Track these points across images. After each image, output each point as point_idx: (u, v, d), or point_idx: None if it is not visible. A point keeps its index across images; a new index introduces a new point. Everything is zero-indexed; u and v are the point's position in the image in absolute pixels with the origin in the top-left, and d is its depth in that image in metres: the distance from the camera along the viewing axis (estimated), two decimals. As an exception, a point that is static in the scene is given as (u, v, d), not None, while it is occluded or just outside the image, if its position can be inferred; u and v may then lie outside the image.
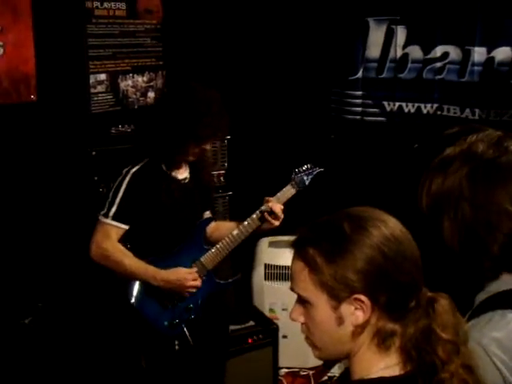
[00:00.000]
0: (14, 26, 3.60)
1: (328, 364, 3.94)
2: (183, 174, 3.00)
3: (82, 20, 3.86)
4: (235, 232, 3.01)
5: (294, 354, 4.13)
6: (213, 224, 3.19)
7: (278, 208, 2.99)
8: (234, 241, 3.02)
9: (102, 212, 2.85)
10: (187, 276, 2.91)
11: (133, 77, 4.20)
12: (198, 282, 2.94)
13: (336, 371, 4.13)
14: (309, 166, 3.20)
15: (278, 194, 3.08)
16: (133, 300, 2.90)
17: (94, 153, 3.72)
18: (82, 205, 3.77)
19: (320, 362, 4.27)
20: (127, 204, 2.83)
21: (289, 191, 3.09)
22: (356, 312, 1.30)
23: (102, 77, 4.01)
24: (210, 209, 3.21)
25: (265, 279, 4.12)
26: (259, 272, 4.12)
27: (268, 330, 3.72)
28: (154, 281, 2.86)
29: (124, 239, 2.89)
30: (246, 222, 3.02)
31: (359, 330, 1.31)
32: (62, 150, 3.81)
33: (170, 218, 2.91)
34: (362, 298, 1.29)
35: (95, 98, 3.97)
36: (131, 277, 2.88)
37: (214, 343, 3.17)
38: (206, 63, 4.32)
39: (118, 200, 2.82)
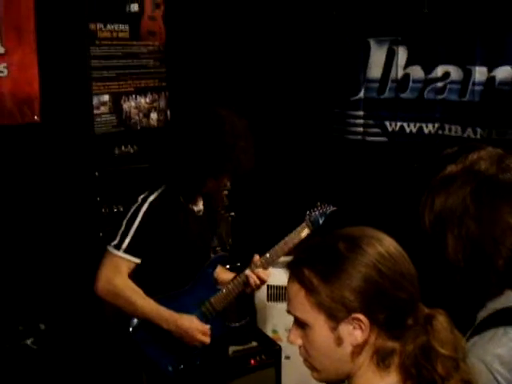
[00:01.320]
0: (19, 47, 3.64)
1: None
2: (198, 205, 2.82)
3: (86, 42, 3.89)
4: (247, 272, 2.85)
5: (297, 374, 4.09)
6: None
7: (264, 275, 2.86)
8: (245, 282, 2.86)
9: (113, 243, 2.60)
10: (199, 328, 2.71)
11: (136, 98, 4.23)
12: (207, 339, 2.73)
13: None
14: (321, 204, 3.10)
15: (292, 234, 2.96)
16: (136, 338, 2.71)
17: (96, 173, 3.73)
18: (85, 225, 3.78)
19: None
20: (142, 236, 2.59)
21: (303, 231, 2.99)
22: (355, 332, 1.30)
23: (106, 98, 4.03)
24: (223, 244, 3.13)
25: (267, 300, 4.11)
26: (262, 293, 4.10)
27: (271, 351, 3.71)
28: (166, 325, 2.65)
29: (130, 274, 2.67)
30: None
31: (358, 349, 1.31)
32: (66, 170, 3.83)
33: (184, 252, 2.73)
34: (361, 317, 1.28)
35: (98, 119, 3.99)
36: (140, 317, 2.66)
37: (215, 366, 3.02)
38: (208, 84, 4.35)
39: (132, 231, 2.58)
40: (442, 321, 1.30)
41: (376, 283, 1.28)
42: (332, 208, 3.13)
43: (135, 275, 2.66)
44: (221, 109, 2.71)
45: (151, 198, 2.64)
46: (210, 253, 2.94)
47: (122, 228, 2.61)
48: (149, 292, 2.66)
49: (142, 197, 2.66)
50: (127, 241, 2.57)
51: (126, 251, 2.57)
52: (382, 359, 1.30)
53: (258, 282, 2.84)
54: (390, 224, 1.70)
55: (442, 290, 1.51)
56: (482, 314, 1.48)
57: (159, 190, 2.67)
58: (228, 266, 3.23)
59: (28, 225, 3.71)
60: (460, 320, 1.38)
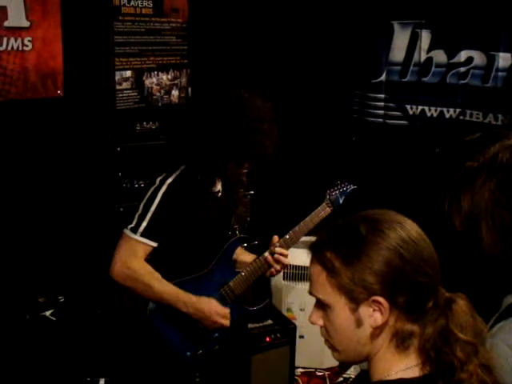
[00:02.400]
0: (43, 21, 3.66)
1: (344, 365, 3.95)
2: (217, 186, 2.71)
3: (109, 17, 3.91)
4: (266, 254, 2.76)
5: (311, 354, 4.15)
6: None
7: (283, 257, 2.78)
8: (264, 265, 2.77)
9: (130, 226, 2.49)
10: (219, 310, 2.62)
11: (157, 74, 4.24)
12: (227, 322, 2.65)
13: (352, 373, 4.14)
14: (340, 183, 3.05)
15: (313, 213, 2.91)
16: (154, 324, 2.62)
17: (118, 149, 3.76)
18: (106, 200, 3.81)
19: (336, 363, 4.28)
20: (160, 219, 2.49)
21: (324, 211, 2.94)
22: (374, 314, 1.31)
23: (128, 74, 4.06)
24: (237, 225, 2.99)
25: (283, 279, 4.14)
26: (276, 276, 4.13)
27: (286, 330, 3.73)
28: (185, 308, 2.56)
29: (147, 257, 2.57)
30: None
31: (378, 331, 1.32)
32: (87, 145, 3.86)
33: (203, 235, 2.64)
34: (380, 299, 1.30)
35: (120, 95, 4.01)
36: (158, 301, 2.56)
37: (234, 350, 2.94)
38: (229, 63, 4.35)
39: (150, 214, 2.48)
40: (461, 305, 1.31)
41: (397, 267, 1.29)
42: (352, 187, 3.09)
43: (152, 259, 2.57)
44: (245, 90, 2.57)
45: (169, 180, 2.53)
46: (229, 234, 2.85)
47: (139, 211, 2.51)
48: (166, 276, 2.58)
49: (159, 178, 2.54)
50: (144, 224, 2.48)
51: (143, 235, 2.48)
52: (401, 341, 1.32)
53: (277, 266, 2.78)
54: (408, 207, 1.70)
55: (463, 274, 1.52)
56: (509, 299, 1.49)
57: (177, 172, 2.56)
58: (245, 245, 3.20)
59: (49, 198, 3.75)
60: (483, 305, 1.39)
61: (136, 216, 2.50)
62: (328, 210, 2.95)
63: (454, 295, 1.34)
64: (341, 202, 3.02)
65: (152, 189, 2.51)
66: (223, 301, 2.73)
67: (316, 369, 4.23)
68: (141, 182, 3.82)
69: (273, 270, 2.78)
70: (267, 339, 3.61)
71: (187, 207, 2.54)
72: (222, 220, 2.74)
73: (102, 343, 3.57)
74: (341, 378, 4.14)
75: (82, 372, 3.43)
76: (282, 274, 4.10)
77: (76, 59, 3.81)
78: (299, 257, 3.99)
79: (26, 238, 3.66)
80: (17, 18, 3.53)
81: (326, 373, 4.20)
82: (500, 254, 1.46)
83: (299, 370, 4.15)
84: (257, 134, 2.47)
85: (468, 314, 1.30)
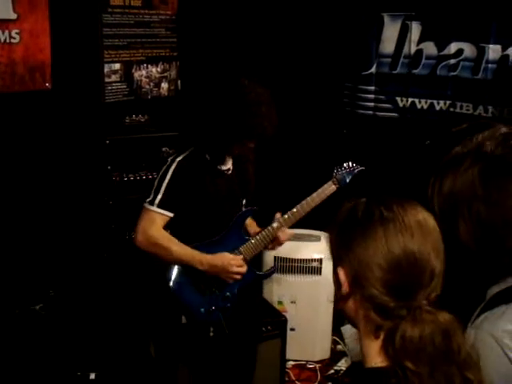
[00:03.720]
0: (31, 14, 3.63)
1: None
2: (227, 164, 2.98)
3: (98, 9, 3.87)
4: (275, 224, 3.03)
5: (302, 346, 4.16)
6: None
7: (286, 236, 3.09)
8: (273, 233, 3.04)
9: (148, 199, 2.83)
10: (232, 261, 2.91)
11: (147, 67, 4.22)
12: (244, 269, 2.95)
13: (343, 365, 4.15)
14: (350, 164, 3.21)
15: (319, 189, 3.09)
16: (171, 284, 2.92)
17: (107, 141, 3.74)
18: (96, 193, 3.80)
19: (327, 356, 4.30)
20: (172, 192, 2.82)
21: (330, 188, 3.11)
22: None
23: (117, 66, 4.03)
24: (248, 198, 3.17)
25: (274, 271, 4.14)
26: (269, 264, 4.13)
27: (277, 322, 3.73)
28: (201, 265, 2.86)
29: (166, 226, 2.89)
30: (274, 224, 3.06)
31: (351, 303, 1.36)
32: (76, 138, 3.84)
33: (213, 208, 2.91)
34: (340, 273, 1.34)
35: (109, 88, 3.99)
36: (177, 262, 2.90)
37: (247, 329, 3.19)
38: (219, 55, 4.33)
39: (163, 188, 2.81)
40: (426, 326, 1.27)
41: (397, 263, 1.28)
42: (360, 168, 3.23)
43: (170, 227, 2.89)
44: (244, 78, 2.87)
45: (179, 158, 2.84)
46: (240, 208, 3.08)
47: (155, 186, 2.83)
48: (183, 242, 2.87)
49: (171, 158, 2.88)
50: (159, 197, 2.80)
51: (159, 206, 2.80)
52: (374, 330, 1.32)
53: (275, 243, 3.08)
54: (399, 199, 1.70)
55: (450, 267, 1.51)
56: (493, 290, 1.49)
57: (187, 152, 2.87)
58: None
59: (38, 191, 3.74)
60: (469, 296, 1.38)
61: (152, 191, 2.83)
62: (334, 187, 3.14)
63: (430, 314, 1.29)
64: (347, 180, 3.19)
65: (164, 167, 2.85)
66: None
67: (307, 361, 4.24)
68: (130, 175, 3.83)
69: (274, 244, 3.10)
70: (258, 332, 3.61)
71: (196, 182, 2.84)
72: (232, 195, 3.01)
73: (92, 337, 3.56)
74: (332, 371, 4.16)
75: (73, 366, 3.43)
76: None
77: (64, 52, 3.78)
78: (290, 249, 4.00)
79: (14, 232, 3.64)
80: (4, 10, 3.50)
81: (317, 365, 4.21)
82: (473, 245, 1.46)
83: (290, 363, 4.15)
84: (257, 117, 2.75)
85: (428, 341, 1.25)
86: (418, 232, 1.30)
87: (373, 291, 1.29)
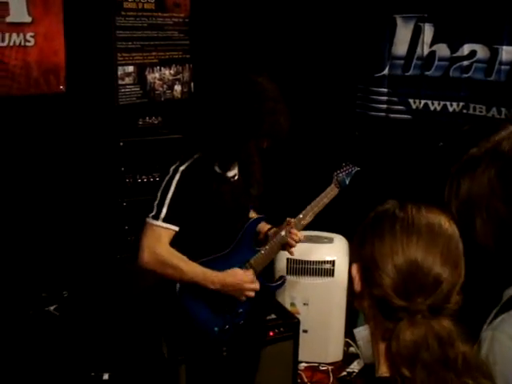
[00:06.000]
0: (45, 17, 3.66)
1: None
2: (233, 170, 2.85)
3: (112, 12, 3.90)
4: (283, 233, 2.95)
5: (314, 348, 4.15)
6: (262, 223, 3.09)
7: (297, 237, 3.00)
8: (281, 242, 2.97)
9: (151, 214, 2.65)
10: (245, 278, 2.79)
11: (160, 69, 4.24)
12: (257, 285, 2.82)
13: (355, 367, 4.14)
14: (345, 165, 3.20)
15: (322, 194, 3.07)
16: (183, 303, 2.78)
17: (121, 144, 3.76)
18: (109, 195, 3.82)
19: (339, 358, 4.29)
20: (178, 204, 2.65)
21: (333, 191, 3.11)
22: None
23: (130, 69, 4.05)
24: (255, 204, 3.08)
25: (287, 273, 4.13)
26: (281, 266, 4.14)
27: (289, 324, 3.73)
28: (212, 285, 2.71)
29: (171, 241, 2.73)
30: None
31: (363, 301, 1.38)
32: (90, 140, 3.87)
33: (220, 218, 2.78)
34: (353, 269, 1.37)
35: (123, 90, 4.01)
36: (187, 282, 2.71)
37: (252, 334, 3.13)
38: (232, 57, 4.34)
39: (167, 201, 2.64)
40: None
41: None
42: (356, 168, 3.23)
43: (176, 243, 2.71)
44: (256, 75, 2.78)
45: (182, 168, 2.68)
46: (248, 216, 3.01)
47: (158, 199, 2.67)
48: (190, 258, 2.72)
49: (173, 167, 2.69)
50: (164, 210, 2.63)
51: (165, 220, 2.63)
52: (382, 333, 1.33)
53: (293, 243, 2.97)
54: (412, 202, 1.70)
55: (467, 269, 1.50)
56: (510, 291, 1.49)
57: (190, 160, 2.71)
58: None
59: (53, 193, 3.76)
60: (484, 297, 1.38)
61: (155, 205, 2.65)
62: (336, 190, 3.12)
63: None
64: (347, 182, 3.19)
65: (167, 178, 2.67)
66: None
67: (319, 363, 4.23)
68: (143, 177, 3.84)
69: (292, 249, 3.01)
70: (271, 334, 3.60)
71: (201, 192, 2.69)
72: (238, 203, 2.87)
73: (105, 338, 3.58)
74: (344, 373, 4.15)
75: (86, 367, 3.44)
76: (285, 268, 4.12)
77: (78, 54, 3.81)
78: (303, 251, 4.00)
79: (29, 233, 3.67)
80: (19, 13, 3.54)
81: (330, 367, 4.20)
82: (492, 246, 1.45)
83: (303, 365, 4.15)
84: (274, 113, 2.65)
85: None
86: (425, 235, 1.28)
87: (378, 289, 1.29)
